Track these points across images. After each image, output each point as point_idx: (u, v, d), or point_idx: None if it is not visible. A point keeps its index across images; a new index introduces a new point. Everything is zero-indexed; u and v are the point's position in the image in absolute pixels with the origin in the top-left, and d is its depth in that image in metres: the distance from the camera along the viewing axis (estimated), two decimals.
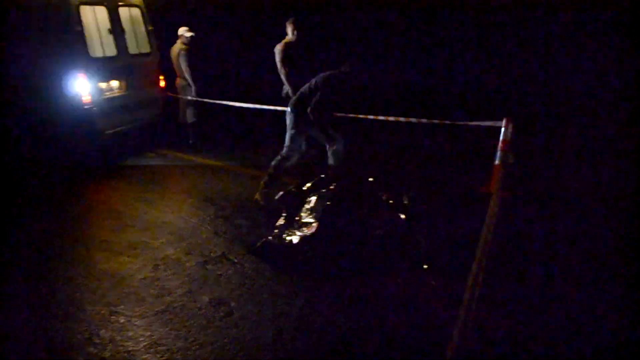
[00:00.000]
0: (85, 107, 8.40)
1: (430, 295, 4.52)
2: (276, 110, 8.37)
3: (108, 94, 8.88)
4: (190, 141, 10.09)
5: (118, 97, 9.08)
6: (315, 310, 4.31)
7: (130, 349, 3.80)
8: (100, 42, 8.76)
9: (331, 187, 5.93)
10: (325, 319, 4.18)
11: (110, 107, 8.87)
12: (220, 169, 8.71)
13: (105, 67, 8.81)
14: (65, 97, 8.32)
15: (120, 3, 9.23)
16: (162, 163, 9.23)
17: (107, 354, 3.72)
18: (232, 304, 4.43)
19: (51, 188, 7.66)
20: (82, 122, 8.46)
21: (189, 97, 9.81)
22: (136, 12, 9.55)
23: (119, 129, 9.15)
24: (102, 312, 4.27)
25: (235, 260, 5.27)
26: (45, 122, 8.51)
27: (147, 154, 9.70)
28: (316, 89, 6.58)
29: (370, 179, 6.41)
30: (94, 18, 8.67)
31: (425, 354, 3.72)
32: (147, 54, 9.78)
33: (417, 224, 5.69)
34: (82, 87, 8.35)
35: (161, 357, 3.70)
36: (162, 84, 10.12)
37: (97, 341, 3.86)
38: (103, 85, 8.76)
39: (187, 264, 5.22)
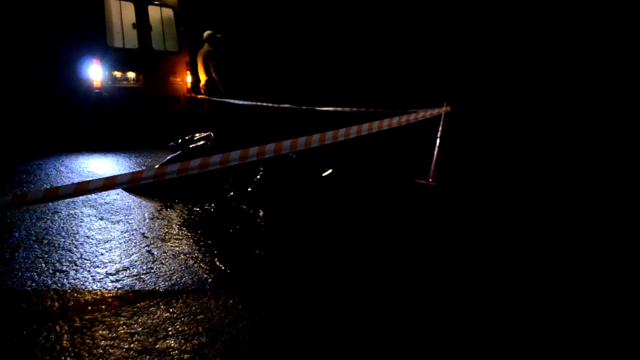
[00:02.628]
0: (96, 91, 8.88)
1: None
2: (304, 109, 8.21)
3: (123, 83, 9.29)
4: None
5: (134, 87, 9.46)
6: None
7: None
8: (121, 35, 9.28)
9: None
10: None
11: (122, 96, 9.25)
12: None
13: (123, 58, 9.27)
14: (79, 81, 8.88)
15: (154, 2, 9.76)
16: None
17: None
18: None
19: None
20: (92, 105, 8.93)
21: (215, 98, 9.92)
22: (168, 11, 10.01)
23: (129, 117, 9.44)
24: None
25: None
26: (61, 103, 9.10)
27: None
28: None
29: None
30: (119, 12, 9.24)
31: None
32: (174, 53, 10.11)
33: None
34: (95, 73, 8.87)
35: None
36: (188, 84, 10.34)
37: None
38: (118, 74, 9.20)
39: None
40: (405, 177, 7.20)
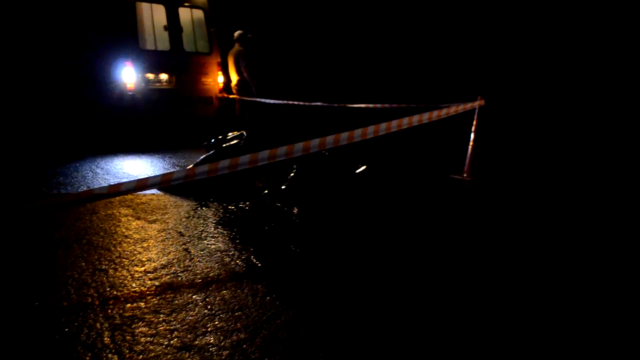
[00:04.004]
0: (129, 93, 9.01)
1: None
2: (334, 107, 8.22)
3: (156, 85, 9.40)
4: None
5: (166, 89, 9.56)
6: None
7: None
8: (153, 37, 9.39)
9: None
10: None
11: (155, 98, 9.36)
12: None
13: (156, 60, 9.39)
14: (113, 83, 9.02)
15: (185, 4, 9.86)
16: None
17: None
18: None
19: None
20: (125, 107, 9.05)
21: (246, 98, 9.97)
22: (199, 13, 10.09)
23: (162, 118, 9.53)
24: None
25: None
26: (95, 105, 9.25)
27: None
28: None
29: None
30: (150, 14, 9.35)
31: None
32: (206, 54, 10.19)
33: None
34: (128, 75, 9.00)
35: None
36: (220, 84, 10.40)
37: None
38: (151, 76, 9.32)
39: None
40: (439, 173, 7.13)
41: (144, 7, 9.32)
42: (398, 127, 5.22)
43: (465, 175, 6.81)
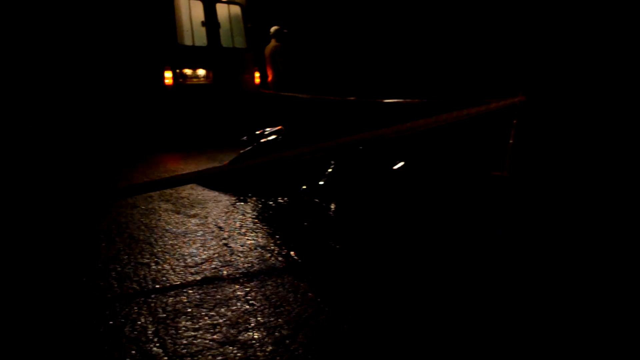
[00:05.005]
0: (167, 89, 9.09)
1: None
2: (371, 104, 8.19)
3: (193, 81, 9.46)
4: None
5: (204, 85, 9.61)
6: None
7: None
8: (191, 33, 9.44)
9: None
10: None
11: (193, 93, 9.43)
12: None
13: (193, 56, 9.44)
14: (151, 80, 9.11)
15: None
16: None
17: None
18: None
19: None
20: (163, 103, 9.14)
21: (283, 93, 9.97)
22: (236, 8, 10.12)
23: (199, 114, 9.60)
24: None
25: None
26: (133, 102, 9.37)
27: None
28: None
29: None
30: (188, 10, 9.40)
31: None
32: (243, 49, 10.21)
33: None
34: (166, 71, 9.07)
35: None
36: (257, 80, 10.42)
37: None
38: (188, 71, 9.38)
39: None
40: (479, 170, 7.02)
41: (182, 2, 9.37)
42: (437, 122, 5.15)
43: (505, 172, 6.70)
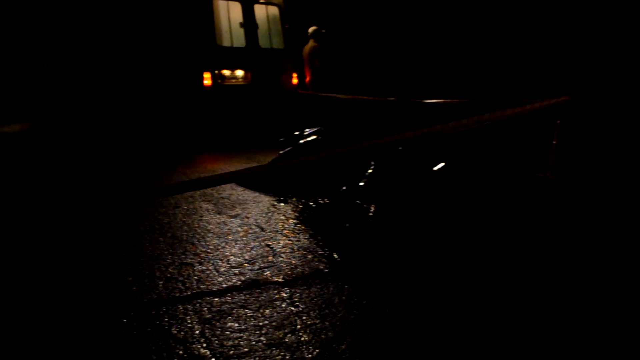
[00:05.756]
0: (206, 90, 9.16)
1: None
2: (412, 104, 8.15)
3: (232, 82, 9.52)
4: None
5: (242, 85, 9.65)
6: None
7: None
8: (229, 34, 9.50)
9: None
10: None
11: (232, 94, 9.47)
12: None
13: (232, 57, 9.49)
14: (190, 80, 9.19)
15: (260, 0, 9.93)
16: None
17: None
18: None
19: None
20: (202, 104, 9.21)
21: (321, 93, 9.96)
22: (274, 9, 10.14)
23: (239, 115, 9.64)
24: None
25: None
26: (173, 102, 9.47)
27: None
28: None
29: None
30: (227, 11, 9.46)
31: None
32: (280, 50, 10.22)
33: None
34: (205, 72, 9.14)
35: None
36: (295, 80, 10.42)
37: None
38: (227, 72, 9.43)
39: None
40: (522, 171, 6.89)
41: (221, 4, 9.44)
42: (479, 122, 5.07)
43: (549, 173, 6.56)
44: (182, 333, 2.79)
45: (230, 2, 9.56)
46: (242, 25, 9.69)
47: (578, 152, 7.71)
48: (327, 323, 2.88)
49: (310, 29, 10.13)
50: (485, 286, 3.38)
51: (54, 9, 13.95)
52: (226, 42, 9.48)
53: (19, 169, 7.44)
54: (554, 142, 6.58)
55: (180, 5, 9.35)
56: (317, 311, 3.02)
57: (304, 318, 2.94)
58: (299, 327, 2.84)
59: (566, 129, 6.51)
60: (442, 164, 6.43)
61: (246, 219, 4.93)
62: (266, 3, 10.08)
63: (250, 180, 6.24)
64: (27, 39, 17.06)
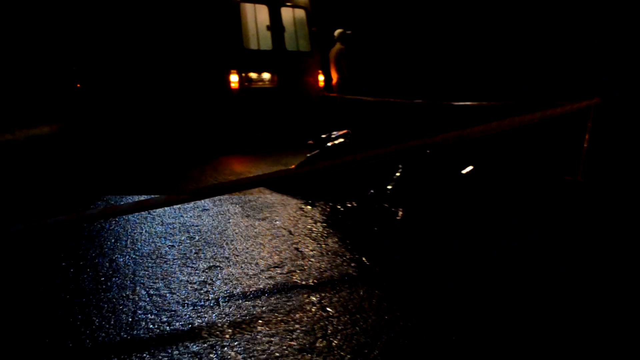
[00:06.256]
0: (233, 92, 9.20)
1: None
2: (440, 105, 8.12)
3: (258, 84, 9.55)
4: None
5: (269, 88, 9.68)
6: None
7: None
8: (256, 37, 9.53)
9: None
10: None
11: (258, 97, 9.50)
12: None
13: (258, 60, 9.52)
14: (217, 83, 9.24)
15: (287, 3, 9.95)
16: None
17: None
18: None
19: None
20: (230, 107, 9.25)
21: (347, 96, 9.94)
22: (300, 12, 10.15)
23: (266, 118, 9.67)
24: None
25: None
26: (199, 105, 9.54)
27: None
28: None
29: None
30: (254, 15, 9.50)
31: None
32: (307, 53, 10.23)
33: None
34: (232, 75, 9.18)
35: None
36: (321, 83, 10.42)
37: None
38: (254, 75, 9.47)
39: None
40: (552, 174, 6.79)
41: (248, 7, 9.49)
42: (509, 125, 5.00)
43: (579, 177, 6.45)
44: (213, 337, 2.79)
45: (257, 5, 9.60)
46: (269, 28, 9.72)
47: (609, 156, 7.58)
48: (357, 328, 2.86)
49: (337, 32, 10.13)
50: (516, 294, 3.33)
51: (84, 12, 14.15)
52: (253, 45, 9.52)
53: (50, 169, 7.56)
54: (585, 145, 6.48)
55: (208, 9, 9.41)
56: (347, 316, 3.00)
57: (335, 323, 2.92)
58: (330, 332, 2.82)
59: (597, 131, 6.40)
60: (470, 167, 6.36)
61: (274, 222, 4.93)
62: (293, 6, 10.11)
63: (278, 183, 6.25)
64: (55, 42, 17.33)
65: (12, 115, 14.12)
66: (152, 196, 3.80)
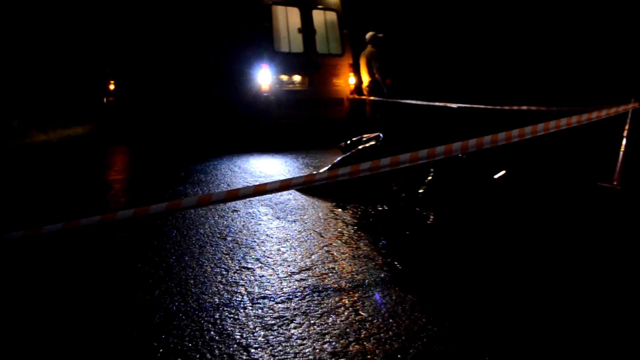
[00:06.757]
0: (264, 94, 9.24)
1: None
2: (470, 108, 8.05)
3: (289, 87, 9.58)
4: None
5: (299, 91, 9.72)
6: None
7: None
8: (287, 39, 9.57)
9: None
10: None
11: (289, 99, 9.54)
12: None
13: (289, 62, 9.57)
14: (249, 84, 9.31)
15: (318, 6, 9.97)
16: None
17: None
18: None
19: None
20: (260, 107, 9.30)
21: (378, 98, 9.91)
22: (332, 15, 10.17)
23: (296, 120, 9.68)
24: None
25: None
26: (231, 105, 9.61)
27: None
28: None
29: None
30: (285, 17, 9.55)
31: None
32: (338, 55, 10.24)
33: None
34: (263, 77, 9.24)
35: None
36: (352, 85, 10.40)
37: None
38: (285, 77, 9.51)
39: None
40: (586, 180, 6.67)
41: (279, 10, 9.55)
42: (544, 130, 4.91)
43: (615, 183, 6.32)
44: (245, 338, 2.77)
45: (289, 8, 9.65)
46: (300, 30, 9.77)
47: None
48: (391, 333, 2.82)
49: (368, 35, 10.11)
50: (554, 304, 3.26)
51: (120, 19, 14.45)
52: (284, 48, 9.58)
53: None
54: (622, 150, 6.35)
55: (240, 12, 9.49)
56: (380, 320, 2.96)
57: (368, 327, 2.88)
58: (363, 335, 2.79)
59: (635, 136, 6.27)
60: (503, 172, 6.28)
61: (305, 225, 4.93)
62: (324, 8, 10.13)
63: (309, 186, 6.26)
64: (91, 43, 17.67)
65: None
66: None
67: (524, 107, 7.30)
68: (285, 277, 3.65)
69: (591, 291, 3.41)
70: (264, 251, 4.20)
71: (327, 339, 2.77)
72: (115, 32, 14.90)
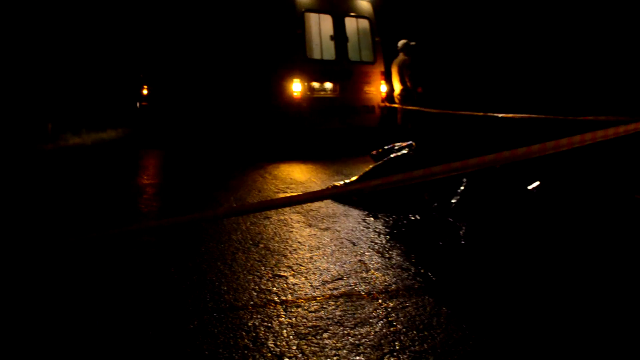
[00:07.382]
0: (296, 101, 9.27)
1: None
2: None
3: (321, 94, 9.59)
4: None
5: (330, 98, 9.72)
6: None
7: None
8: (320, 46, 9.59)
9: None
10: None
11: (320, 106, 9.54)
12: None
13: (321, 69, 9.58)
14: (281, 91, 9.34)
15: (351, 13, 9.97)
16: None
17: None
18: None
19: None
20: (292, 114, 9.33)
21: (409, 107, 9.86)
22: (364, 22, 10.16)
23: (327, 127, 9.68)
24: None
25: None
26: (262, 112, 9.66)
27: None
28: None
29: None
30: (318, 24, 9.58)
31: None
32: (369, 63, 10.22)
33: None
34: (295, 84, 9.27)
35: None
36: (384, 93, 10.36)
37: None
38: (316, 85, 9.52)
39: None
40: (623, 192, 6.53)
41: (312, 17, 9.58)
42: (581, 142, 4.83)
43: None
44: (279, 348, 2.76)
45: (322, 15, 9.68)
46: (332, 38, 9.78)
47: None
48: (425, 346, 2.78)
49: (400, 43, 10.07)
50: (588, 317, 3.19)
51: (154, 26, 14.69)
52: (316, 55, 9.60)
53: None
54: None
55: (273, 19, 9.54)
56: (415, 332, 2.93)
57: (403, 339, 2.85)
58: (398, 348, 2.75)
59: None
60: (537, 183, 6.19)
61: (337, 233, 4.91)
62: (357, 16, 10.13)
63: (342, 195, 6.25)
64: (126, 49, 17.97)
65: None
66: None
67: (554, 117, 7.20)
68: (318, 285, 3.64)
69: (632, 309, 3.34)
70: (296, 259, 4.20)
71: (362, 350, 2.75)
72: (150, 38, 15.14)
